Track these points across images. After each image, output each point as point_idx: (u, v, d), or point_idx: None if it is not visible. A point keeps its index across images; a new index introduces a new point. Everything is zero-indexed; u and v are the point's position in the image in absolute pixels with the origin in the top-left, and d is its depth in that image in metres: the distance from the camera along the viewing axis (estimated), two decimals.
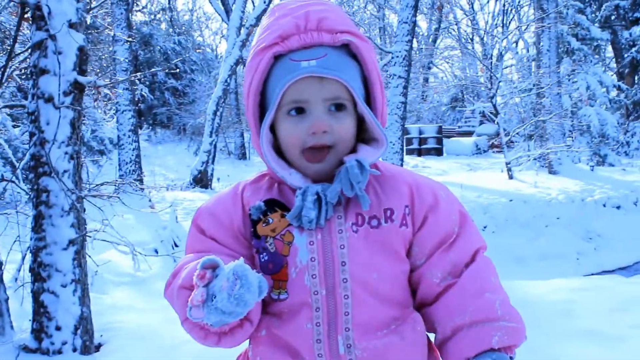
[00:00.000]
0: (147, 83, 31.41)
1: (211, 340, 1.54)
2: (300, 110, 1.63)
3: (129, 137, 16.67)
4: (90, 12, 6.51)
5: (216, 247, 1.71)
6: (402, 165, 15.26)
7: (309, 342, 1.64)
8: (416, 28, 17.05)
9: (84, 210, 5.38)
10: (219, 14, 26.18)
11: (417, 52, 35.09)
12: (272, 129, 1.69)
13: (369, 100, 1.69)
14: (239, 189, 1.77)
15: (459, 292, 1.66)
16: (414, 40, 18.57)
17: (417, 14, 16.87)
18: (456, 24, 38.68)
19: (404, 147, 17.58)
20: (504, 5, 34.07)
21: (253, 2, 27.00)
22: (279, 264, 1.65)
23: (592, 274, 9.89)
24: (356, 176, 1.58)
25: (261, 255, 1.68)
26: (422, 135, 31.93)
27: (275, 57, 1.65)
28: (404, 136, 16.21)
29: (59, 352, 5.15)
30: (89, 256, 5.58)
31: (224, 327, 1.53)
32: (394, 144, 15.02)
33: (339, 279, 1.62)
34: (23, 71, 6.70)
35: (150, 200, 13.09)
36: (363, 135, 1.70)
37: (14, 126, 12.73)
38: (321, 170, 1.65)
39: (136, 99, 19.26)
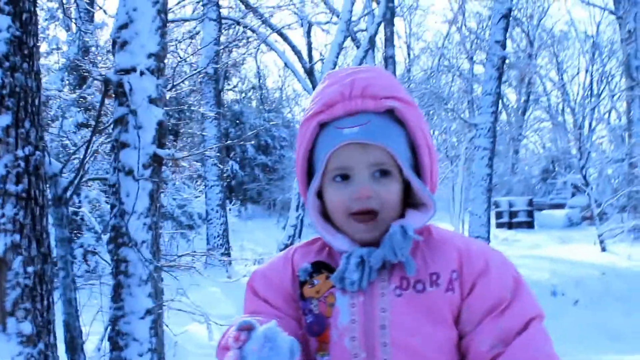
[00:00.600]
0: (238, 159, 32.03)
1: None
2: (345, 177, 1.65)
3: (217, 211, 16.99)
4: (173, 89, 6.74)
5: (267, 308, 1.73)
6: (489, 238, 15.03)
7: None
8: (505, 100, 16.98)
9: (162, 280, 5.50)
10: (307, 92, 26.68)
11: (507, 125, 34.87)
12: (320, 194, 1.72)
13: (418, 165, 1.70)
14: (290, 252, 1.80)
15: None
16: (504, 113, 18.47)
17: (506, 87, 16.83)
18: (546, 96, 38.35)
19: (493, 220, 17.31)
20: (592, 76, 33.66)
21: None
22: (322, 326, 1.65)
23: None
24: (399, 243, 1.58)
25: (307, 317, 1.69)
26: (512, 209, 31.39)
27: (322, 124, 1.69)
28: (494, 209, 15.97)
29: None
30: (167, 326, 5.67)
31: None
32: (480, 217, 14.83)
33: (378, 342, 1.61)
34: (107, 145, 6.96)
35: (227, 271, 13.21)
36: (411, 200, 1.70)
37: (106, 202, 13.15)
38: (367, 235, 1.65)
39: (226, 175, 19.65)
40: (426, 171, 1.69)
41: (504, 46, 15.17)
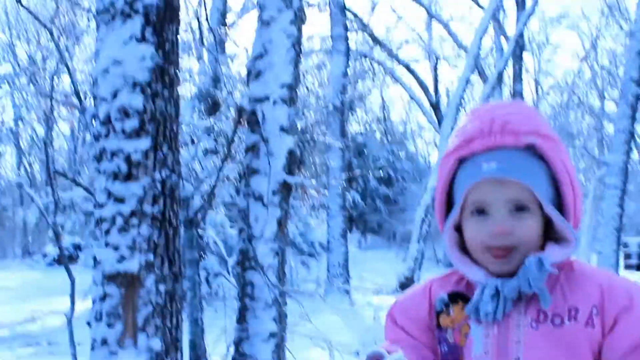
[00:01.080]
0: (360, 190, 32.17)
1: None
2: (482, 212, 1.65)
3: (339, 240, 17.09)
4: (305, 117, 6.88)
5: (404, 336, 1.76)
6: None
7: None
8: (638, 138, 16.44)
9: (286, 304, 5.58)
10: (432, 125, 26.64)
11: (639, 164, 33.67)
12: (458, 228, 1.72)
13: (561, 200, 1.68)
14: (429, 283, 1.82)
15: None
16: (635, 151, 17.89)
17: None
18: None
19: (621, 261, 16.73)
20: None
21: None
22: (456, 355, 1.66)
23: None
24: (534, 274, 1.56)
25: (441, 345, 1.70)
26: None
27: (461, 160, 1.70)
28: (622, 250, 15.47)
29: None
30: (289, 350, 5.74)
31: None
32: (608, 257, 14.39)
33: None
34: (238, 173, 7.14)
35: (351, 299, 13.23)
36: (553, 235, 1.67)
37: (231, 227, 13.46)
38: (504, 267, 1.64)
39: (348, 205, 19.77)
40: (569, 207, 1.66)
41: (639, 83, 14.73)
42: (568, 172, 1.66)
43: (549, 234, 1.67)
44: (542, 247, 1.65)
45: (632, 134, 14.99)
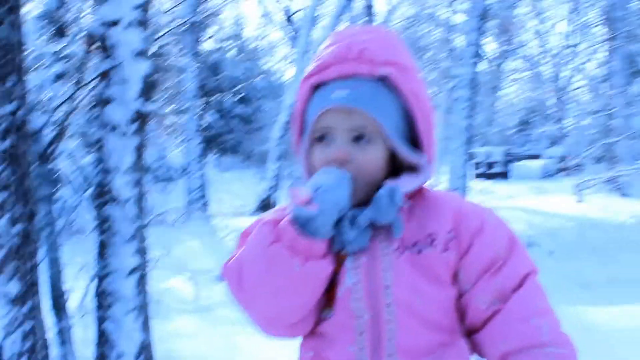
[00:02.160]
0: (215, 110, 31.80)
1: (296, 261, 1.54)
2: (325, 138, 1.68)
3: (196, 164, 16.91)
4: (158, 39, 6.62)
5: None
6: (466, 190, 15.12)
7: None
8: (483, 50, 16.90)
9: (147, 237, 5.44)
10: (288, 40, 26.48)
11: (484, 75, 34.82)
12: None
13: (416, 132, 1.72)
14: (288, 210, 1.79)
15: (505, 318, 1.63)
16: (482, 63, 18.42)
17: (485, 37, 16.76)
18: (524, 46, 38.26)
19: (471, 171, 17.38)
20: (571, 26, 33.53)
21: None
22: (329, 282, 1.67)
23: None
24: (385, 205, 1.59)
25: None
26: (488, 160, 31.62)
27: (316, 86, 1.71)
28: (471, 160, 16.04)
29: None
30: (152, 283, 5.64)
31: (314, 246, 1.54)
32: (459, 168, 14.91)
33: (382, 303, 1.63)
34: (90, 101, 6.84)
35: (214, 227, 13.20)
36: (407, 164, 1.71)
37: (87, 153, 13.02)
38: None
39: (203, 127, 19.52)
40: (424, 138, 1.70)
41: None
42: (422, 105, 1.69)
43: (404, 164, 1.71)
44: (397, 176, 1.69)
45: (479, 47, 15.36)
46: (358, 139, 1.64)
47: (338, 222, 1.60)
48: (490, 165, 31.38)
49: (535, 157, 34.22)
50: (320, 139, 1.68)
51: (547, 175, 30.46)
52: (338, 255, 1.64)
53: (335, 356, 1.68)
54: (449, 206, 1.71)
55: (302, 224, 1.54)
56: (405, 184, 1.65)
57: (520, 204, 18.79)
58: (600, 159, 21.49)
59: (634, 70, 23.27)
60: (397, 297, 1.62)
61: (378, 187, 1.64)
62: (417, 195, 1.72)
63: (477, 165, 30.70)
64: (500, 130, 40.31)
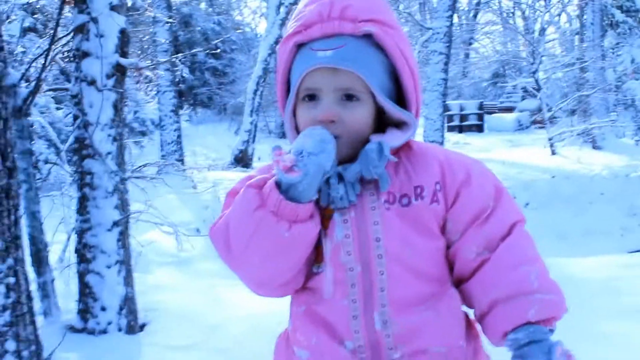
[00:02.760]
0: (188, 64, 31.48)
1: (282, 226, 1.53)
2: (313, 98, 1.67)
3: (170, 117, 16.82)
4: None
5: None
6: (442, 142, 15.19)
7: (346, 318, 1.68)
8: (457, 3, 16.84)
9: (128, 191, 5.44)
10: None
11: (458, 28, 34.72)
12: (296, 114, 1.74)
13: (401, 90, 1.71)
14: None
15: (494, 266, 1.66)
16: (455, 16, 18.36)
17: None
18: None
19: (445, 124, 17.45)
20: None
21: None
22: (318, 237, 1.67)
23: (637, 251, 9.71)
24: (373, 160, 1.60)
25: None
26: (463, 112, 31.63)
27: (299, 45, 1.69)
28: (445, 113, 16.09)
29: (105, 331, 5.22)
30: (133, 237, 5.65)
31: (300, 210, 1.53)
32: (435, 121, 14.97)
33: (373, 255, 1.64)
34: (66, 54, 6.76)
35: (192, 181, 13.17)
36: (392, 121, 1.72)
37: (57, 109, 12.89)
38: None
39: (177, 80, 19.36)
40: (410, 95, 1.70)
41: None
42: (407, 61, 1.69)
43: (390, 121, 1.71)
44: (383, 132, 1.69)
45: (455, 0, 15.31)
46: (345, 98, 1.64)
47: (326, 179, 1.61)
48: (464, 117, 31.40)
49: (510, 109, 34.29)
50: (307, 98, 1.68)
51: (521, 128, 30.60)
52: (326, 210, 1.65)
53: (327, 309, 1.70)
54: (435, 158, 1.73)
55: (286, 189, 1.52)
56: (392, 139, 1.66)
57: (494, 156, 18.90)
58: (573, 112, 21.59)
59: (606, 22, 23.33)
60: (387, 249, 1.64)
61: (364, 143, 1.65)
62: (403, 149, 1.74)
63: (451, 118, 30.71)
64: (474, 83, 40.32)
